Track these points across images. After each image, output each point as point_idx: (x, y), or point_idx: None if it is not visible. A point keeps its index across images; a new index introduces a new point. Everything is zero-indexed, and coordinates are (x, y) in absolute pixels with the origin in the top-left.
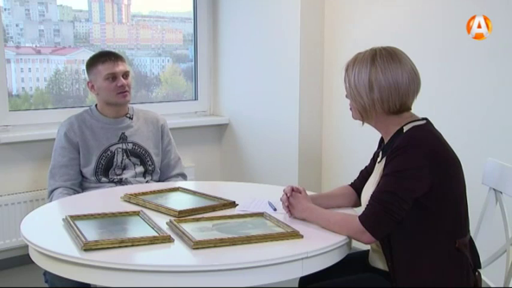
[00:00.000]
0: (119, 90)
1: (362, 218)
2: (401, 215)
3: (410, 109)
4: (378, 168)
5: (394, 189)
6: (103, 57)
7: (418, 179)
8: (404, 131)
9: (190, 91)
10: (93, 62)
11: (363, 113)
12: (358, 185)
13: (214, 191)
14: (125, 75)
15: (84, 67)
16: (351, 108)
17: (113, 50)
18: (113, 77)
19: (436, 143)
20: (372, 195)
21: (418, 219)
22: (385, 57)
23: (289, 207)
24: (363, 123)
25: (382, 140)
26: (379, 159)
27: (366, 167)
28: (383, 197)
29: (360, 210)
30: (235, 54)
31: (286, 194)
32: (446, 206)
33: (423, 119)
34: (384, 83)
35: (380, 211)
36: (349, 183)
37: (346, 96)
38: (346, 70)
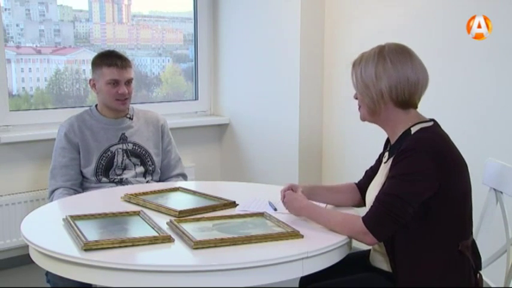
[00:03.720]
0: (118, 97)
1: (365, 220)
2: (405, 218)
3: (417, 106)
4: (384, 169)
5: (399, 192)
6: (110, 60)
7: (424, 182)
8: (412, 132)
9: (190, 91)
10: (99, 62)
11: (371, 107)
12: (362, 185)
13: (215, 191)
14: (128, 82)
15: (84, 67)
16: (359, 109)
17: (120, 53)
18: (115, 83)
19: (444, 145)
20: (376, 196)
21: (422, 221)
22: (394, 50)
23: (286, 205)
24: (371, 121)
25: (387, 141)
26: (385, 160)
27: (371, 167)
28: (388, 200)
29: (363, 210)
30: (235, 54)
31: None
32: (450, 209)
33: (431, 120)
34: (392, 72)
35: (384, 213)
36: (352, 181)
37: (355, 97)
38: (353, 66)
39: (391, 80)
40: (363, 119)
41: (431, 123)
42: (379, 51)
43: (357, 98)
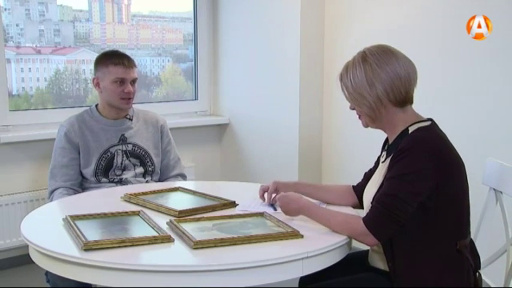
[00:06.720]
0: (124, 96)
1: (366, 221)
2: (405, 218)
3: (413, 101)
4: (382, 168)
5: (399, 193)
6: (117, 59)
7: (423, 181)
8: (409, 132)
9: (190, 91)
10: (105, 61)
11: (372, 115)
12: (360, 187)
13: (214, 191)
14: (133, 82)
15: (84, 67)
16: (359, 117)
17: (126, 53)
18: (122, 81)
19: (441, 144)
20: (376, 198)
21: (420, 220)
22: (376, 53)
23: (282, 209)
24: (374, 127)
25: (386, 141)
26: (383, 159)
27: (370, 169)
28: (387, 201)
29: (361, 211)
30: (235, 54)
31: (270, 194)
32: (448, 208)
33: (428, 119)
34: (383, 75)
35: (384, 214)
36: (350, 182)
37: (351, 108)
38: (341, 79)
39: (384, 83)
40: (366, 126)
41: (429, 123)
42: (362, 59)
43: (353, 109)
